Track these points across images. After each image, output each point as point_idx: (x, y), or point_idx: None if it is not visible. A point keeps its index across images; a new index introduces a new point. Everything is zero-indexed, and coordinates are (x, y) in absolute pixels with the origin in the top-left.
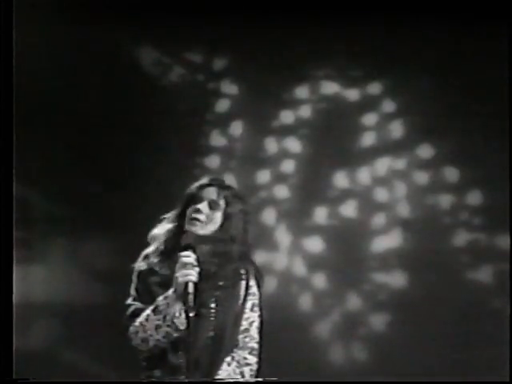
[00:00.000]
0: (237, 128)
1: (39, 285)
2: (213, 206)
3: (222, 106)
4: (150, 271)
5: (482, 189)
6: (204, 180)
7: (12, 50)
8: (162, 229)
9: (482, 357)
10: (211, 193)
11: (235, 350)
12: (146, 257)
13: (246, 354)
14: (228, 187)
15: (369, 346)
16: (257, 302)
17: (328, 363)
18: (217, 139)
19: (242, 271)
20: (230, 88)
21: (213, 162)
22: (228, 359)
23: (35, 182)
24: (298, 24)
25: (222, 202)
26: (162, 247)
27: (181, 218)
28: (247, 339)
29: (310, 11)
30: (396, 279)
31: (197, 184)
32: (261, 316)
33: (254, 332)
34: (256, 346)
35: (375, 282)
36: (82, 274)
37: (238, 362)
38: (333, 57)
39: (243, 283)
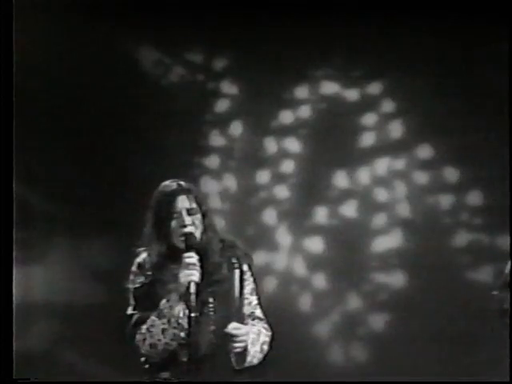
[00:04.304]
0: (236, 128)
1: (39, 285)
2: (191, 212)
3: (222, 106)
4: (148, 281)
5: (482, 189)
6: (166, 189)
7: (12, 50)
8: (149, 253)
9: (482, 357)
10: (183, 201)
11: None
12: (140, 266)
13: (260, 328)
14: (189, 188)
15: (369, 346)
16: (254, 285)
17: (328, 363)
18: (216, 139)
19: (234, 260)
20: (229, 88)
21: (212, 162)
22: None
23: (35, 182)
24: (297, 24)
25: (195, 206)
26: (156, 259)
27: (167, 236)
28: (256, 321)
29: (310, 11)
30: (396, 279)
31: (162, 198)
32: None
33: (260, 313)
34: (266, 325)
35: (375, 282)
36: (82, 273)
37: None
38: (332, 57)
39: (237, 272)
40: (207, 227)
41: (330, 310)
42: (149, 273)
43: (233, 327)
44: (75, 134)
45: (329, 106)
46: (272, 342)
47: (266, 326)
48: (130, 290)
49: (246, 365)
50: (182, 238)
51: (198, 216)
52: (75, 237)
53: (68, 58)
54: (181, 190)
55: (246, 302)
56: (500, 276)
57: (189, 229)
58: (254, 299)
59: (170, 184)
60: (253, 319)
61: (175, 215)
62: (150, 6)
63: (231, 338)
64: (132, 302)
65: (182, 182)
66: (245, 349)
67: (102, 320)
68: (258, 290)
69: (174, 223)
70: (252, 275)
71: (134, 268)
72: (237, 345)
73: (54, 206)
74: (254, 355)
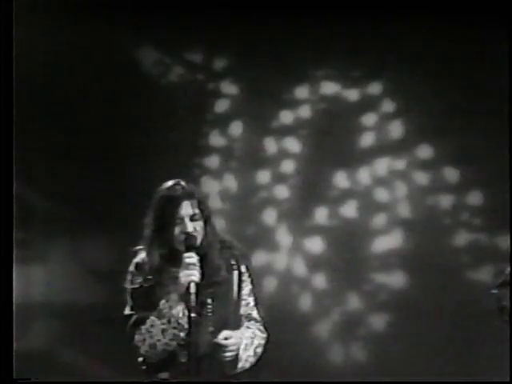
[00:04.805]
0: (236, 128)
1: (39, 285)
2: (193, 218)
3: (222, 106)
4: (148, 285)
5: (482, 189)
6: (170, 193)
7: (12, 50)
8: (149, 255)
9: (482, 357)
10: (187, 207)
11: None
12: (138, 267)
13: (255, 329)
14: (192, 192)
15: (369, 346)
16: (251, 286)
17: (328, 363)
18: (216, 139)
19: (233, 261)
20: (229, 88)
21: (212, 162)
22: (243, 328)
23: (35, 182)
24: (297, 24)
25: (198, 212)
26: (156, 263)
27: (168, 241)
28: (252, 322)
29: (310, 11)
30: (396, 279)
31: (165, 203)
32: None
33: (256, 315)
34: (262, 327)
35: (375, 282)
36: (82, 273)
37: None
38: (332, 57)
39: (236, 273)
40: (208, 233)
41: (330, 310)
42: (149, 277)
43: (223, 336)
44: (75, 133)
45: (329, 106)
46: (271, 343)
47: (261, 327)
48: (128, 291)
49: (238, 370)
50: (183, 243)
51: (200, 222)
52: (75, 237)
53: (68, 58)
54: (184, 196)
55: (243, 303)
56: (500, 275)
57: (193, 235)
58: (251, 300)
59: (173, 187)
60: (249, 320)
61: (178, 221)
62: (150, 6)
63: (221, 347)
64: (130, 302)
65: (185, 184)
66: (236, 356)
67: (102, 320)
68: (255, 291)
69: (176, 229)
70: (250, 276)
71: (131, 268)
72: (227, 354)
73: (54, 206)
74: (247, 359)
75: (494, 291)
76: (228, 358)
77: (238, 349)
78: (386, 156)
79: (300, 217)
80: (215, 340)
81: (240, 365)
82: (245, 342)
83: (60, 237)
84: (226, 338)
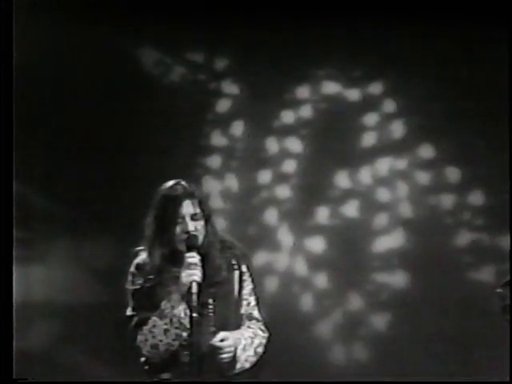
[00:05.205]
0: (238, 128)
1: (39, 285)
2: (194, 218)
3: (223, 105)
4: (149, 285)
5: (483, 189)
6: (171, 192)
7: (12, 50)
8: (150, 255)
9: (482, 357)
10: (188, 206)
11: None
12: (139, 267)
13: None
14: (193, 191)
15: (370, 346)
16: (252, 285)
17: (329, 363)
18: (218, 139)
19: (233, 261)
20: (230, 88)
21: (214, 161)
22: (243, 328)
23: (35, 182)
24: (299, 24)
25: (199, 211)
26: (157, 262)
27: (170, 241)
28: (253, 321)
29: (311, 11)
30: (397, 279)
31: (167, 202)
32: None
33: (257, 314)
34: (263, 326)
35: (377, 282)
36: (83, 273)
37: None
38: (333, 57)
39: (237, 273)
40: (209, 232)
41: (332, 309)
42: (150, 276)
43: (219, 339)
44: (75, 133)
45: (330, 106)
46: (272, 343)
47: (262, 327)
48: (129, 291)
49: (237, 371)
50: (184, 243)
51: (201, 222)
52: (75, 237)
53: (68, 58)
54: (186, 195)
55: (244, 302)
56: (504, 274)
57: (194, 234)
58: (252, 300)
59: (174, 187)
60: (250, 320)
61: (179, 220)
62: (150, 6)
63: (217, 350)
64: (131, 303)
65: (186, 184)
66: (234, 357)
67: (102, 320)
68: (255, 291)
69: (177, 229)
70: (250, 275)
71: (132, 269)
72: (224, 356)
73: (54, 206)
74: (247, 359)
75: (499, 290)
76: (225, 360)
77: (236, 349)
78: (388, 156)
79: (301, 216)
80: (211, 342)
81: (239, 365)
82: (244, 342)
83: (60, 237)
84: (222, 340)
